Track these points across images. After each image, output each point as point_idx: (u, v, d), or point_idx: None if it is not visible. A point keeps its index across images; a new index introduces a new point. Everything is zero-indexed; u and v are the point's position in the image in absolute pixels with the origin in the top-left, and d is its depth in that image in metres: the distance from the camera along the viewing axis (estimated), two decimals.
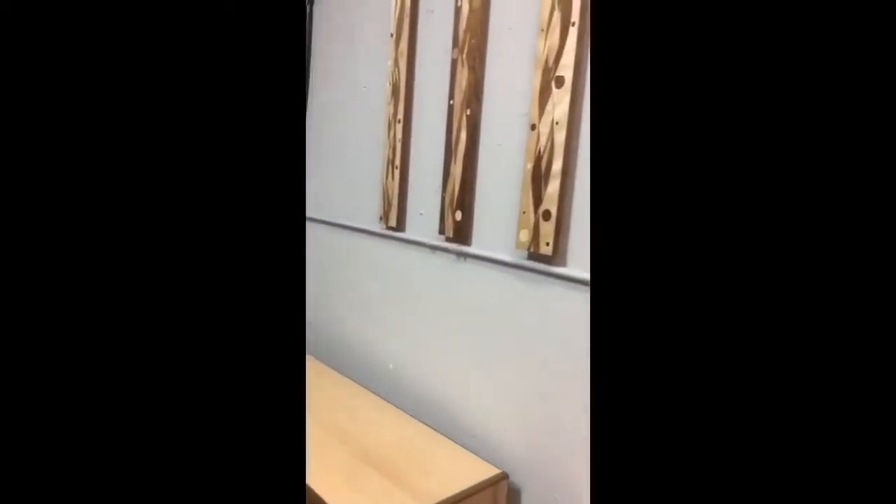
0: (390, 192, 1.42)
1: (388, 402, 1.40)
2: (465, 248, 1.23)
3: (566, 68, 0.97)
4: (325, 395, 1.39)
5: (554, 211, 1.00)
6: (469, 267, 1.24)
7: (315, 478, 1.01)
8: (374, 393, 1.45)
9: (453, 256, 1.27)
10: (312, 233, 1.76)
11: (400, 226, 1.41)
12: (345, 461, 1.09)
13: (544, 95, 1.01)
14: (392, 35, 1.39)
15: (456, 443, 1.21)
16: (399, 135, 1.38)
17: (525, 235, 1.06)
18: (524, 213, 1.05)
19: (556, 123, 0.99)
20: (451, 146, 1.22)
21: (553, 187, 1.00)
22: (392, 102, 1.40)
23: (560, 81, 0.98)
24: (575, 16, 0.96)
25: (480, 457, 1.16)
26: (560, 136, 0.99)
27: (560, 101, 0.99)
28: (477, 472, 1.09)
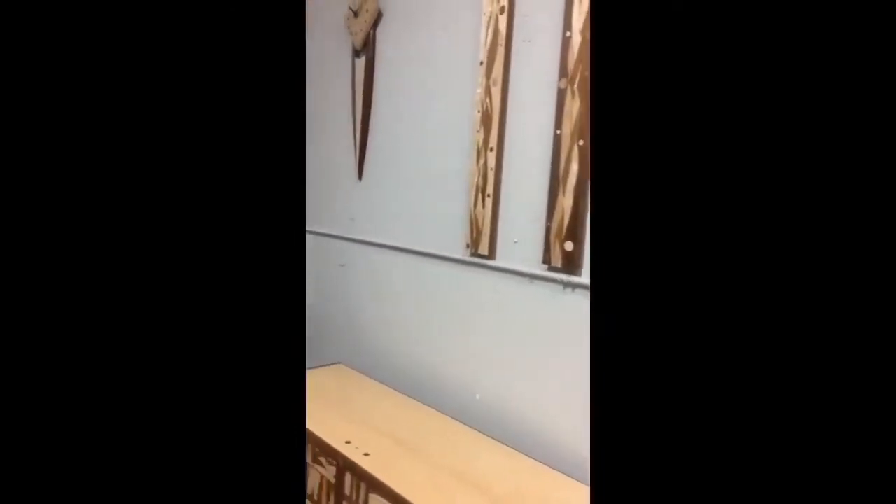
0: (480, 219, 1.41)
1: (481, 432, 1.37)
2: (573, 279, 1.22)
3: None
4: (416, 427, 1.36)
5: None
6: (575, 298, 1.22)
7: None
8: (464, 423, 1.42)
9: (557, 286, 1.26)
10: (390, 260, 1.74)
11: (491, 254, 1.40)
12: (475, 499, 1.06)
13: None
14: (482, 63, 1.39)
15: (570, 476, 1.19)
16: (491, 163, 1.38)
17: None
18: None
19: None
20: (557, 176, 1.22)
21: None
22: (482, 130, 1.39)
23: None
24: None
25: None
26: None
27: None
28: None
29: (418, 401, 1.55)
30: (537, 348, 1.32)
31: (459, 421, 1.43)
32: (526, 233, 1.33)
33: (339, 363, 1.84)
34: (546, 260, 1.26)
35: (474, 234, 1.43)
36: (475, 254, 1.43)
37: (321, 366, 1.79)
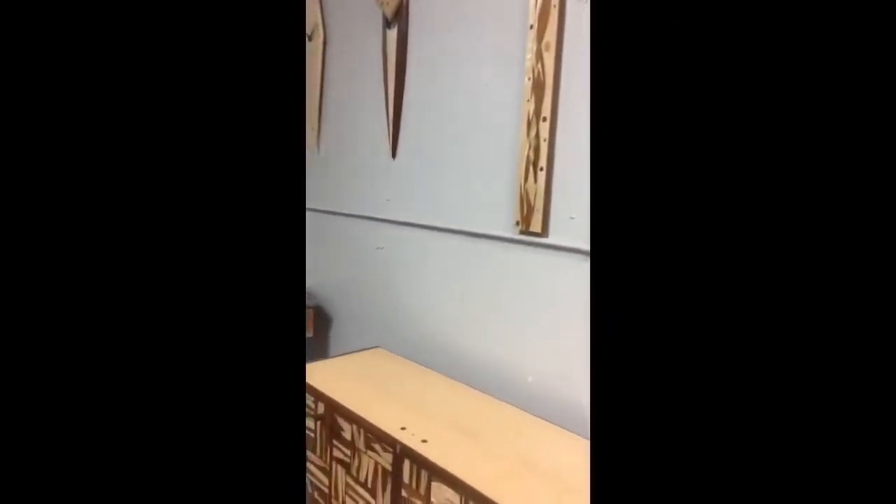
0: (531, 195, 1.34)
1: (536, 416, 1.32)
2: None
3: None
4: (471, 413, 1.32)
5: None
6: None
7: None
8: (517, 407, 1.37)
9: None
10: (430, 241, 1.68)
11: (544, 231, 1.34)
12: (545, 487, 1.02)
13: None
14: (532, 27, 1.30)
15: None
16: (544, 133, 1.30)
17: None
18: None
19: None
20: None
21: None
22: (533, 99, 1.31)
23: None
24: None
25: None
26: None
27: None
28: None
29: (467, 384, 1.51)
30: None
31: (512, 404, 1.38)
32: (583, 208, 1.26)
33: (378, 347, 1.80)
34: None
35: (525, 211, 1.36)
36: (526, 231, 1.37)
37: (361, 350, 1.75)
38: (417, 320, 1.75)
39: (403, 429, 1.21)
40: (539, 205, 1.32)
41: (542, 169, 1.31)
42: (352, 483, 1.30)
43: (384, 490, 1.20)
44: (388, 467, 1.19)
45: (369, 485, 1.25)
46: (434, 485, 1.07)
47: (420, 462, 1.11)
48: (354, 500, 1.29)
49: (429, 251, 1.69)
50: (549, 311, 1.35)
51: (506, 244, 1.45)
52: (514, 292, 1.43)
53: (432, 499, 1.07)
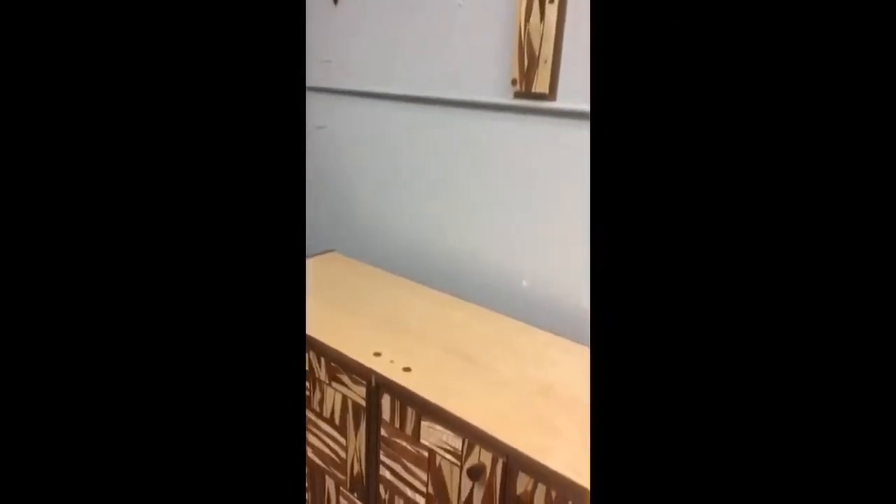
0: (535, 41, 0.98)
1: (538, 327, 1.09)
2: None
3: None
4: (463, 332, 1.06)
5: None
6: None
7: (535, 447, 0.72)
8: (513, 318, 1.13)
9: None
10: (389, 115, 1.30)
11: (552, 91, 1.01)
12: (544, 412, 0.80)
13: None
14: None
15: None
16: None
17: None
18: None
19: None
20: None
21: None
22: None
23: None
24: None
25: None
26: None
27: None
28: None
29: (449, 294, 1.24)
30: None
31: (507, 315, 1.14)
32: None
33: (332, 251, 1.47)
34: None
35: (525, 65, 1.01)
36: (525, 93, 1.03)
37: (309, 256, 1.43)
38: (379, 217, 1.43)
39: (378, 355, 0.95)
40: (547, 53, 0.98)
41: (551, 1, 0.95)
42: (313, 417, 1.05)
43: (356, 429, 0.96)
44: (362, 402, 0.93)
45: (337, 421, 1.00)
46: (425, 424, 0.83)
47: (404, 397, 0.86)
48: (318, 437, 1.04)
49: (388, 128, 1.32)
50: (551, 197, 1.07)
51: (496, 113, 1.11)
52: (506, 176, 1.13)
53: (423, 440, 0.84)
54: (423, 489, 0.86)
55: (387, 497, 0.93)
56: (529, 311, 1.14)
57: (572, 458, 0.71)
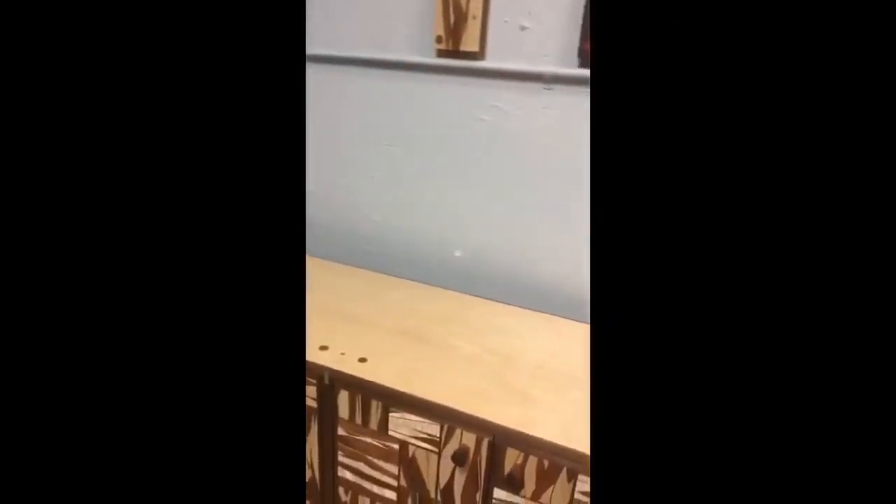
0: None
1: (486, 299, 1.07)
2: None
3: None
4: (405, 308, 0.99)
5: None
6: None
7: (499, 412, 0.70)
8: (453, 290, 1.08)
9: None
10: (308, 77, 1.14)
11: (482, 49, 0.95)
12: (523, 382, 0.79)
13: None
14: None
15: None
16: None
17: None
18: None
19: None
20: None
21: None
22: None
23: None
24: None
25: None
26: None
27: None
28: None
29: (379, 272, 1.16)
30: (550, 183, 0.99)
31: (447, 288, 1.10)
32: (542, 10, 0.90)
33: None
34: (583, 53, 0.87)
35: (452, 20, 0.94)
36: (451, 51, 0.97)
37: None
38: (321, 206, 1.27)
39: (325, 348, 0.85)
40: (476, 8, 0.92)
41: None
42: None
43: (307, 433, 0.86)
44: (313, 403, 0.83)
45: None
46: (394, 416, 0.77)
47: (366, 390, 0.79)
48: None
49: (323, 95, 1.17)
50: (482, 163, 1.03)
51: (419, 75, 1.03)
52: (432, 142, 1.07)
53: (392, 432, 0.78)
54: (394, 483, 0.81)
55: (348, 499, 0.86)
56: (468, 283, 1.11)
57: (558, 425, 0.71)
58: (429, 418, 0.75)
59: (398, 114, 1.08)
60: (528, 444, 0.70)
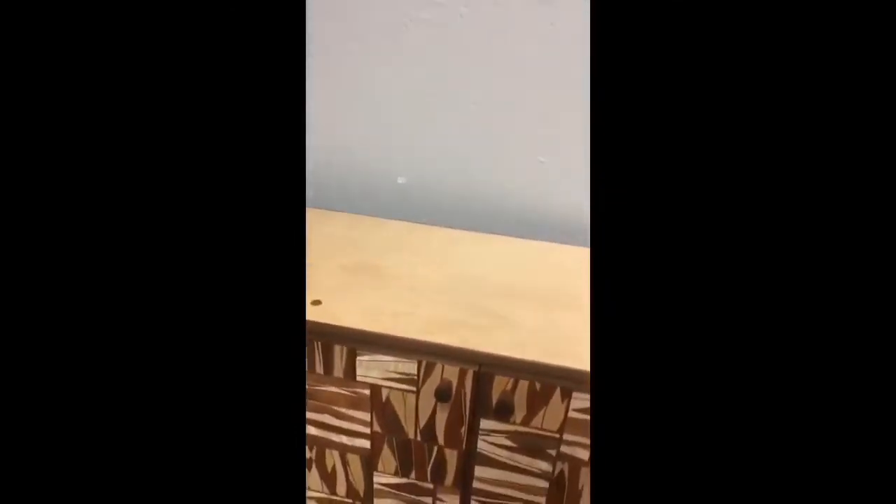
0: None
1: (436, 224, 0.98)
2: None
3: None
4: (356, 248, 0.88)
5: None
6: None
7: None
8: (398, 220, 0.98)
9: None
10: None
11: None
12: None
13: None
14: None
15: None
16: None
17: None
18: None
19: None
20: None
21: None
22: None
23: None
24: None
25: None
26: None
27: None
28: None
29: (314, 208, 1.02)
30: (492, 98, 0.90)
31: (393, 219, 0.99)
32: None
33: None
34: None
35: None
36: None
37: None
38: None
39: None
40: None
41: None
42: None
43: None
44: None
45: None
46: (363, 360, 0.68)
47: (326, 335, 0.69)
48: None
49: None
50: (415, 77, 0.92)
51: None
52: (365, 49, 0.92)
53: (362, 377, 0.69)
54: (367, 430, 0.74)
55: (314, 455, 0.78)
56: (414, 211, 1.02)
57: (547, 345, 0.67)
58: (403, 357, 0.67)
59: (322, 17, 0.92)
60: (517, 368, 0.65)
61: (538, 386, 0.64)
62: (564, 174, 0.94)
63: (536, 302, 0.76)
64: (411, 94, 0.94)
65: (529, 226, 0.98)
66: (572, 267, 0.85)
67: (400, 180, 1.02)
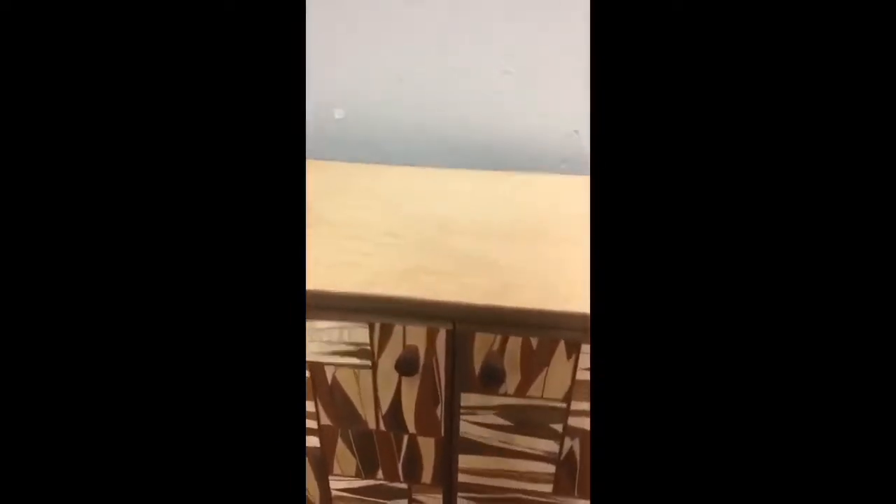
0: None
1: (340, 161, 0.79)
2: None
3: None
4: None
5: None
6: None
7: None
8: (346, 162, 0.79)
9: None
10: None
11: None
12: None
13: None
14: None
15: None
16: None
17: None
18: None
19: None
20: None
21: None
22: None
23: None
24: None
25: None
26: None
27: None
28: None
29: None
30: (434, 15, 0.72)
31: (320, 158, 0.80)
32: None
33: None
34: None
35: None
36: None
37: None
38: None
39: None
40: None
41: None
42: None
43: None
44: None
45: None
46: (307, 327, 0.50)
47: None
48: None
49: None
50: (347, 5, 0.73)
51: None
52: None
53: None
54: (314, 424, 0.56)
55: None
56: (352, 150, 0.83)
57: (539, 288, 0.50)
58: (350, 320, 0.50)
59: None
60: (504, 321, 0.48)
61: (534, 342, 0.48)
62: (534, 91, 0.77)
63: (517, 238, 0.59)
64: (346, 11, 0.75)
65: (495, 157, 0.81)
66: (552, 198, 0.69)
67: (337, 115, 0.83)
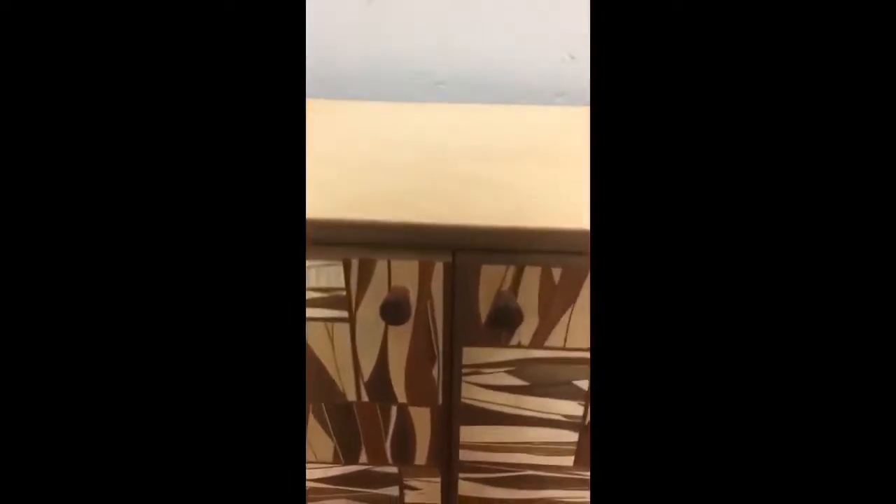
0: None
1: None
2: None
3: None
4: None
5: None
6: None
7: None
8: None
9: None
10: None
11: None
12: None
13: None
14: None
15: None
16: None
17: None
18: None
19: None
20: None
21: None
22: None
23: None
24: None
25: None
26: None
27: None
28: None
29: None
30: None
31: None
32: None
33: None
34: None
35: None
36: None
37: None
38: None
39: None
40: None
41: None
42: None
43: None
44: None
45: None
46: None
47: None
48: None
49: None
50: None
51: None
52: None
53: None
54: None
55: None
56: (320, 87, 0.72)
57: (555, 207, 0.40)
58: (321, 257, 0.39)
59: None
60: (516, 246, 0.38)
61: (556, 275, 0.38)
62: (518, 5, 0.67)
63: (521, 160, 0.49)
64: None
65: (482, 90, 0.71)
66: (552, 127, 0.59)
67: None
